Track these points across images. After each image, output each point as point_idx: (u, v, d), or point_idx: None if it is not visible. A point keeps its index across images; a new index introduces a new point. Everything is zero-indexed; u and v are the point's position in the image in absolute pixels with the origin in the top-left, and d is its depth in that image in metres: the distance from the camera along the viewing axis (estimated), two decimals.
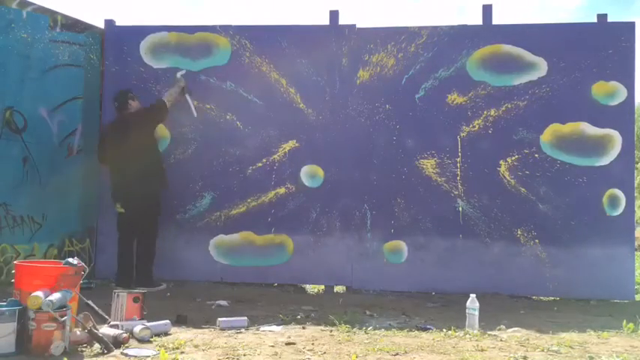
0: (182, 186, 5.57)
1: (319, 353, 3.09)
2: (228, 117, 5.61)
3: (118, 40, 5.76)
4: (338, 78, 5.54)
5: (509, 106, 5.35)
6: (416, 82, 5.46)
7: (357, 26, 5.58)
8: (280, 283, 5.55)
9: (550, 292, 5.27)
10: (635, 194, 8.70)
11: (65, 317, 2.92)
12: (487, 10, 5.45)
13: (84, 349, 3.05)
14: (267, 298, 4.93)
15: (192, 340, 3.31)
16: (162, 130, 5.60)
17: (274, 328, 3.74)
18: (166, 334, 3.47)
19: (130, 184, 5.17)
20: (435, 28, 5.48)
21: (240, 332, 3.60)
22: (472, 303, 3.75)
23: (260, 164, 5.56)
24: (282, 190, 5.54)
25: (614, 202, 5.21)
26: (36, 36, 5.24)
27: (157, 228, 5.35)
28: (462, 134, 5.39)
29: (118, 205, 5.24)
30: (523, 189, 5.31)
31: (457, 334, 3.61)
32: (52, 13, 5.40)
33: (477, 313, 3.73)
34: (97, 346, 3.06)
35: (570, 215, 5.24)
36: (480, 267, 5.29)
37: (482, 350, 3.20)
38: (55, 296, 2.91)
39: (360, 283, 5.44)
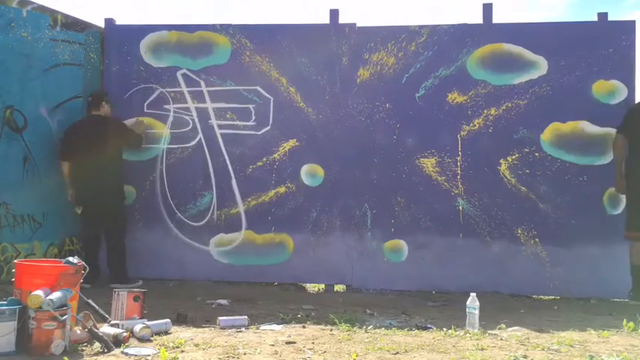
0: (182, 185, 5.58)
1: (319, 352, 3.09)
2: (228, 116, 5.61)
3: (118, 39, 5.76)
4: (338, 77, 5.54)
5: (510, 104, 5.35)
6: (416, 81, 5.45)
7: (358, 25, 5.58)
8: (280, 282, 5.55)
9: (550, 291, 5.27)
10: None
11: (65, 316, 2.92)
12: (487, 8, 5.45)
13: (84, 348, 3.05)
14: (268, 297, 4.92)
15: (192, 339, 3.31)
16: (161, 129, 5.62)
17: (274, 327, 3.74)
18: (167, 333, 3.47)
19: (97, 184, 5.23)
20: (435, 27, 5.48)
21: (241, 331, 3.60)
22: (472, 302, 3.75)
23: (260, 163, 5.56)
24: (282, 189, 5.54)
25: (614, 200, 5.21)
26: (36, 35, 5.23)
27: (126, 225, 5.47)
28: (462, 133, 5.39)
29: (78, 207, 5.31)
30: (523, 188, 5.31)
31: (457, 333, 3.61)
32: (52, 12, 5.40)
33: (477, 312, 3.73)
34: (97, 345, 3.06)
35: (570, 214, 5.24)
36: (480, 266, 5.29)
37: (482, 349, 3.20)
38: (56, 295, 2.91)
39: (361, 282, 5.44)
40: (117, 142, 5.39)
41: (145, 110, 5.68)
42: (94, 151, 5.21)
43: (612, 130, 5.21)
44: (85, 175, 5.28)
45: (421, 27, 5.49)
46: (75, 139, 5.30)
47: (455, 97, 5.41)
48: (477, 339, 3.45)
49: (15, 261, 3.35)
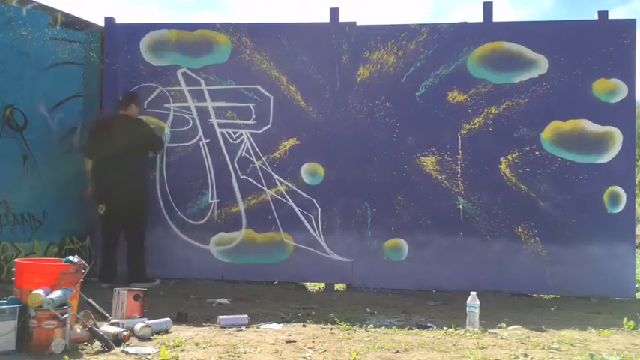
0: (182, 184, 5.58)
1: (320, 351, 3.10)
2: (228, 114, 5.61)
3: (118, 38, 5.75)
4: (338, 75, 5.54)
5: (510, 103, 5.34)
6: (416, 80, 5.45)
7: (358, 24, 5.57)
8: (281, 281, 5.55)
9: (550, 290, 5.27)
10: (636, 192, 8.70)
11: (66, 315, 2.92)
12: (487, 7, 5.45)
13: (84, 346, 3.05)
14: (268, 296, 4.93)
15: (192, 338, 3.31)
16: (161, 127, 5.64)
17: (275, 325, 3.74)
18: (167, 331, 3.47)
19: (121, 184, 5.19)
20: (436, 25, 5.47)
21: (241, 330, 3.60)
22: (473, 301, 3.75)
23: (260, 162, 5.56)
24: (282, 188, 5.54)
25: (614, 199, 5.21)
26: (36, 34, 5.23)
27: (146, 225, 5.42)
28: (462, 132, 5.39)
29: (101, 206, 5.27)
30: (524, 187, 5.30)
31: (457, 331, 3.61)
32: (52, 11, 5.39)
33: (477, 310, 3.73)
34: (97, 344, 3.06)
35: (571, 213, 5.24)
36: (481, 265, 5.29)
37: (482, 348, 3.20)
38: (56, 294, 2.91)
39: (361, 281, 5.44)
40: (140, 143, 5.35)
41: (146, 109, 5.68)
42: (116, 150, 5.19)
43: (613, 129, 5.21)
44: (107, 173, 5.26)
45: (421, 25, 5.48)
46: (98, 137, 5.31)
47: (455, 96, 5.41)
48: (477, 338, 3.45)
49: (15, 260, 3.35)
